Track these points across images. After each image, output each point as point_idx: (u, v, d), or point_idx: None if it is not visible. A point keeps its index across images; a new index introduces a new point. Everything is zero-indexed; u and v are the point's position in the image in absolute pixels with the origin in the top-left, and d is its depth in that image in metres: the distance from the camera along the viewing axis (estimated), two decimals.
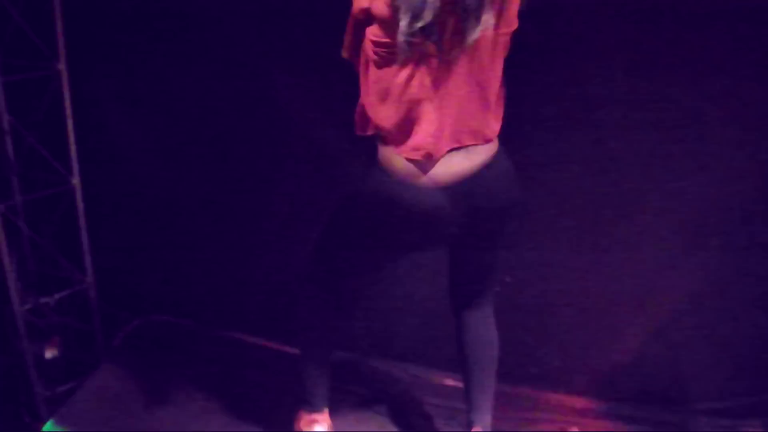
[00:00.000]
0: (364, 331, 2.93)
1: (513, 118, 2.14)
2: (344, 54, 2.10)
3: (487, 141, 2.04)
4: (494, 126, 2.06)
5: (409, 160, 2.01)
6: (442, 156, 2.00)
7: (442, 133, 1.98)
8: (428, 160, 2.00)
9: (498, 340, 2.41)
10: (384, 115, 2.01)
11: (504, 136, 2.12)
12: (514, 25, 1.97)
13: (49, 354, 3.11)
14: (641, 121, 2.59)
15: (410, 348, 3.02)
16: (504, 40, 1.97)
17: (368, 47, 1.97)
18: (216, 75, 2.82)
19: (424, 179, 2.03)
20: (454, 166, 2.02)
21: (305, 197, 2.89)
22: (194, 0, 2.73)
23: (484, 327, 2.39)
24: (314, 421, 2.48)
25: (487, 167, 2.05)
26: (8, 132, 2.88)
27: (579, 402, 2.93)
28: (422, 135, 1.98)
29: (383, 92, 1.98)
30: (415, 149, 1.99)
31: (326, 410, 2.50)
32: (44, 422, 2.73)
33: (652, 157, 2.64)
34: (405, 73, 1.93)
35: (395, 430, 2.71)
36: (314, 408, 2.49)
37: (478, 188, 2.05)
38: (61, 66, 2.82)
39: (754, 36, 2.44)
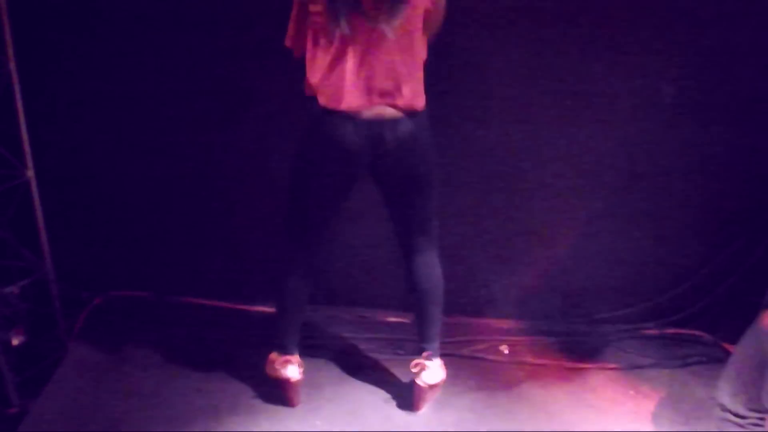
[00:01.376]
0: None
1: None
2: (288, 43, 2.48)
3: (405, 108, 2.45)
4: (411, 94, 2.45)
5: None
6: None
7: (358, 88, 2.39)
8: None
9: (441, 276, 2.78)
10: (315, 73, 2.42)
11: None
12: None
13: (15, 341, 3.25)
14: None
15: (358, 294, 3.41)
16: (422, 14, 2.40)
17: (313, 24, 2.36)
18: (163, 59, 3.07)
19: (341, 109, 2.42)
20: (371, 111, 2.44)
21: (249, 163, 3.20)
22: None
23: (430, 265, 2.76)
24: (288, 362, 2.80)
25: (401, 121, 2.46)
26: None
27: (505, 323, 3.43)
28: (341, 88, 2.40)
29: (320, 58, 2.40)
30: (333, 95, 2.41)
31: (297, 352, 2.84)
32: (15, 407, 2.92)
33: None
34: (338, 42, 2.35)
35: (349, 369, 3.08)
36: (287, 351, 2.81)
37: (389, 133, 2.45)
38: (11, 64, 2.98)
39: None
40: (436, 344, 2.84)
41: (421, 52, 2.50)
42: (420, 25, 2.44)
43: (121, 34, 3.05)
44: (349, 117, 2.43)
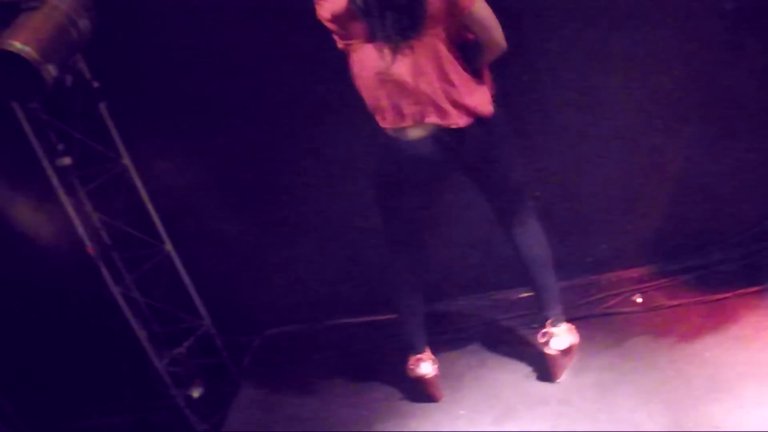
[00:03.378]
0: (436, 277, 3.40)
1: None
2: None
3: (455, 119, 2.52)
4: (462, 103, 2.51)
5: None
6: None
7: (401, 111, 2.51)
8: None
9: (546, 242, 2.83)
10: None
11: None
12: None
13: (195, 393, 3.67)
14: None
15: (478, 278, 3.52)
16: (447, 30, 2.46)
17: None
18: None
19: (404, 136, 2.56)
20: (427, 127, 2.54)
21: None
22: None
23: (532, 235, 2.82)
24: (420, 360, 2.96)
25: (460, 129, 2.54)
26: (101, 227, 3.45)
27: (634, 273, 3.39)
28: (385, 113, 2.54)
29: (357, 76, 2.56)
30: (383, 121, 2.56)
31: (427, 349, 2.99)
32: None
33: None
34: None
35: (486, 353, 3.19)
36: (417, 350, 2.97)
37: (451, 138, 2.54)
38: (126, 161, 3.41)
39: None
40: (557, 309, 2.89)
41: (456, 65, 2.52)
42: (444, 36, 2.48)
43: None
44: (400, 136, 2.58)
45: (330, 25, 2.51)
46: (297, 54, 3.12)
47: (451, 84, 2.49)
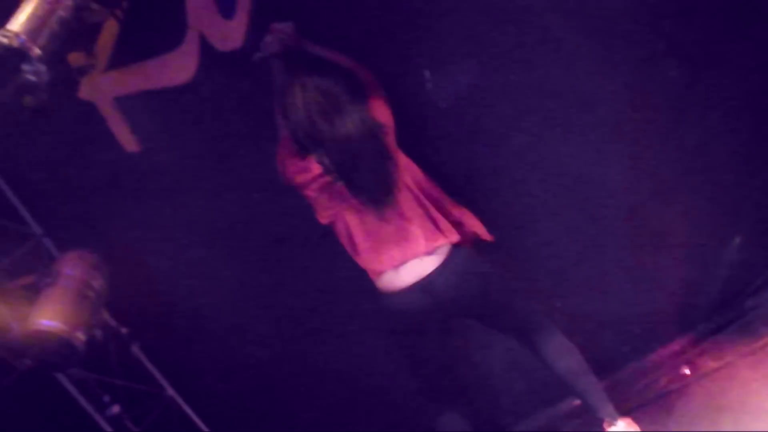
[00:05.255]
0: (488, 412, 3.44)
1: None
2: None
3: (434, 248, 2.63)
4: (438, 232, 2.65)
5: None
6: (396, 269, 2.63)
7: (384, 257, 2.62)
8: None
9: (575, 349, 2.86)
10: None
11: None
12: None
13: None
14: None
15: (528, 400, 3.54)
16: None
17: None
18: None
19: (394, 287, 2.65)
20: (411, 272, 2.64)
21: None
22: None
23: (558, 349, 2.85)
24: None
25: (443, 266, 2.64)
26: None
27: (674, 346, 3.37)
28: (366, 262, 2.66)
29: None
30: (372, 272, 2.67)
31: None
32: None
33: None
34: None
35: None
36: None
37: (438, 285, 2.63)
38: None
39: None
40: (608, 408, 2.87)
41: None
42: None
43: None
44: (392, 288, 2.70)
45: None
46: None
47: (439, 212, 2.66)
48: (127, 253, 3.41)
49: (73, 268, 3.13)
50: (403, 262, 2.63)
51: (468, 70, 3.25)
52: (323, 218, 2.72)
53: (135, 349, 3.57)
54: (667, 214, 3.28)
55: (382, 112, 2.66)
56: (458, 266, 2.67)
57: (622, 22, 3.00)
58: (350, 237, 2.67)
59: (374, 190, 2.61)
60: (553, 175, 3.27)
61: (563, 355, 2.86)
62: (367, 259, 2.66)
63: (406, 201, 2.64)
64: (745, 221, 3.26)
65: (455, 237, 2.68)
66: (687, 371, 3.25)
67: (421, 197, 2.67)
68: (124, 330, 3.52)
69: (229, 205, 3.34)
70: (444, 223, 2.67)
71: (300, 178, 2.65)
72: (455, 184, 2.93)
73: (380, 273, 2.65)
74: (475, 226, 2.72)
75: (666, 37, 3.01)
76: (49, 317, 2.94)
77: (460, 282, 2.67)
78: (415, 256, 2.63)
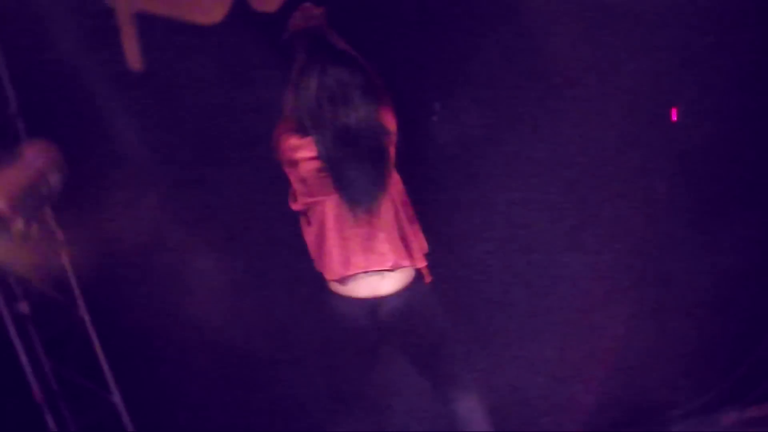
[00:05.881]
0: None
1: None
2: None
3: (397, 267, 2.63)
4: (405, 253, 2.65)
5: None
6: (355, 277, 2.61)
7: (349, 260, 2.60)
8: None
9: (487, 414, 2.80)
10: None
11: None
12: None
13: None
14: None
15: None
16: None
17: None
18: None
19: (346, 293, 2.63)
20: (368, 285, 2.63)
21: None
22: None
23: (468, 406, 2.77)
24: None
25: (399, 291, 2.63)
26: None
27: None
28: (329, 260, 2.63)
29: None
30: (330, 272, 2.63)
31: None
32: None
33: None
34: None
35: None
36: None
37: (386, 309, 2.62)
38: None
39: None
40: None
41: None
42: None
43: None
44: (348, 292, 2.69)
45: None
46: None
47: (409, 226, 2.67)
48: (91, 166, 3.37)
49: (37, 156, 3.07)
50: (365, 271, 2.62)
51: (474, 116, 3.35)
52: (298, 204, 2.69)
53: (65, 260, 3.50)
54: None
55: (389, 120, 2.68)
56: (412, 297, 2.67)
57: None
58: (321, 230, 2.65)
59: (360, 191, 2.60)
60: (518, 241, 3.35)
61: (473, 421, 2.81)
62: (331, 258, 2.63)
63: (385, 212, 2.64)
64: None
65: (421, 263, 2.69)
66: None
67: (400, 214, 2.68)
68: (60, 235, 3.45)
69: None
70: (414, 246, 2.68)
71: (292, 155, 2.64)
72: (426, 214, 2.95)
73: (340, 275, 2.63)
74: (422, 262, 2.71)
75: None
76: None
77: (408, 313, 2.66)
78: (378, 269, 2.63)
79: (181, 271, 3.43)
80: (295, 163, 2.63)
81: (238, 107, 3.36)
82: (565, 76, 3.29)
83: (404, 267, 2.65)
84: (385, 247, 2.63)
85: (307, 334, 2.93)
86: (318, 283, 2.71)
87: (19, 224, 2.94)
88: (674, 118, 3.32)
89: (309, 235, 2.69)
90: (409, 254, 2.66)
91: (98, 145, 3.42)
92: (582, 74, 3.28)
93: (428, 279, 2.73)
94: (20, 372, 3.34)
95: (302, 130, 2.61)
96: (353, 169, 2.58)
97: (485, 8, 3.28)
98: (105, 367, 3.59)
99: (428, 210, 2.91)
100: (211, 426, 3.62)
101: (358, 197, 2.60)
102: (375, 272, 2.63)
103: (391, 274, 2.63)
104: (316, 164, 2.59)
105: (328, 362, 2.80)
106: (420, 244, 2.71)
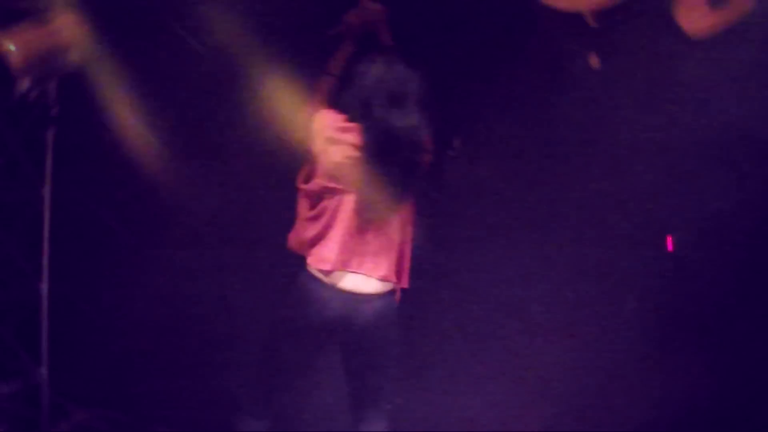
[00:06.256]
0: None
1: None
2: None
3: (386, 280, 2.65)
4: (395, 269, 2.66)
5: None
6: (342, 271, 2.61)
7: (346, 258, 2.59)
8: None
9: None
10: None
11: None
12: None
13: None
14: None
15: None
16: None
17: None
18: None
19: (328, 281, 2.61)
20: (356, 283, 2.62)
21: None
22: None
23: None
24: None
25: (377, 300, 2.64)
26: None
27: None
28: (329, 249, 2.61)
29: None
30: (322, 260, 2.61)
31: None
32: None
33: None
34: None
35: None
36: None
37: (361, 311, 2.62)
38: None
39: None
40: None
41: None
42: None
43: None
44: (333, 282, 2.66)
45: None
46: None
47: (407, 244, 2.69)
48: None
49: (66, 26, 2.98)
50: (356, 272, 2.62)
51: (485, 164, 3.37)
52: (312, 184, 2.63)
53: (48, 135, 3.40)
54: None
55: (428, 139, 2.68)
56: (383, 308, 2.67)
57: None
58: (329, 220, 2.61)
59: (383, 195, 2.58)
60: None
61: None
62: (329, 249, 2.60)
63: (393, 224, 2.65)
64: None
65: (405, 284, 2.71)
66: None
67: (406, 231, 2.69)
68: (54, 110, 3.36)
69: None
70: (404, 266, 2.70)
71: (336, 135, 2.57)
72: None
73: (332, 267, 2.60)
74: (405, 284, 2.73)
75: None
76: (14, 44, 2.77)
77: (375, 323, 2.66)
78: (368, 275, 2.62)
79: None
80: (335, 143, 2.56)
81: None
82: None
83: (391, 282, 2.67)
84: (383, 257, 2.63)
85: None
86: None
87: (24, 84, 2.86)
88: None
89: (308, 218, 2.64)
90: (399, 273, 2.69)
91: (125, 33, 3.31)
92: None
93: (398, 299, 2.74)
94: None
95: (344, 109, 2.58)
96: (385, 172, 2.57)
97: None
98: (44, 337, 3.51)
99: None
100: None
101: (380, 200, 2.59)
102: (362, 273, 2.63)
103: (375, 280, 2.64)
104: (355, 152, 2.56)
105: (275, 343, 2.75)
106: (408, 266, 2.72)
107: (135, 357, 3.56)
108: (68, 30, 3.03)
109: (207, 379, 3.53)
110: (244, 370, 3.17)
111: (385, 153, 2.56)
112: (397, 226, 2.66)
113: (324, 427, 3.40)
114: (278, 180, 2.98)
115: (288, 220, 2.73)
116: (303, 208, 2.67)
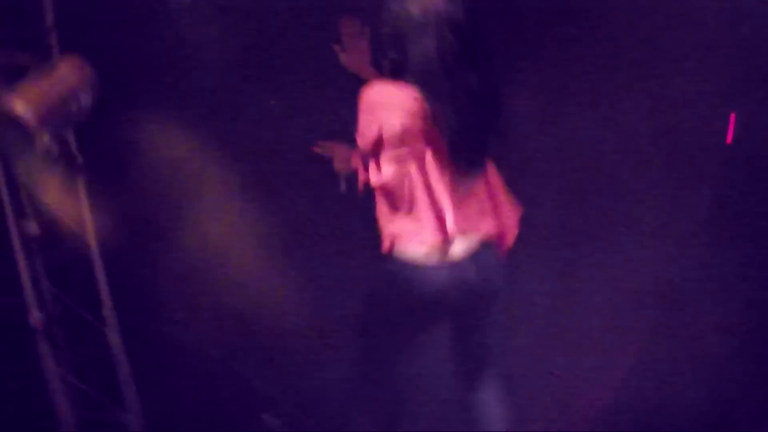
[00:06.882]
0: None
1: None
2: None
3: (494, 235, 2.50)
4: (491, 220, 2.51)
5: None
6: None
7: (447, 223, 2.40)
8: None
9: (505, 414, 2.72)
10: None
11: None
12: None
13: None
14: None
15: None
16: None
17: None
18: None
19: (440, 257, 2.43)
20: (465, 246, 2.46)
21: None
22: None
23: (493, 400, 2.71)
24: None
25: (488, 256, 2.49)
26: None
27: None
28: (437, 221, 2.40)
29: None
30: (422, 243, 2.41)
31: None
32: None
33: None
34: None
35: None
36: None
37: (471, 271, 2.47)
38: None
39: None
40: None
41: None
42: None
43: None
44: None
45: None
46: None
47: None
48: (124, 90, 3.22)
49: (70, 72, 2.93)
50: (466, 234, 2.44)
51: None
52: (387, 163, 2.36)
53: (79, 182, 3.35)
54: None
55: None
56: (494, 264, 2.53)
57: None
58: (412, 192, 2.39)
59: (473, 153, 2.41)
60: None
61: (495, 411, 2.72)
62: (440, 219, 2.40)
63: (484, 177, 2.50)
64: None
65: (514, 233, 2.56)
66: None
67: (494, 179, 2.54)
68: (79, 158, 3.31)
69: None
70: (506, 215, 2.55)
71: (406, 103, 2.31)
72: None
73: (448, 236, 2.40)
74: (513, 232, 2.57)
75: None
76: (27, 102, 2.73)
77: (487, 278, 2.51)
78: (479, 233, 2.47)
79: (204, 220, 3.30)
80: (403, 110, 2.31)
81: None
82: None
83: (498, 234, 2.52)
84: (485, 211, 2.49)
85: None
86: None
87: (44, 138, 2.80)
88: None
89: (398, 194, 2.41)
90: (503, 223, 2.53)
91: (134, 66, 3.25)
92: None
93: (505, 252, 2.57)
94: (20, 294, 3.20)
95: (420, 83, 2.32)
96: (468, 130, 2.35)
97: None
98: (107, 303, 3.44)
99: None
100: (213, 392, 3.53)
101: (471, 159, 2.42)
102: (467, 236, 2.45)
103: (477, 240, 2.47)
104: (428, 110, 2.31)
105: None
106: (511, 215, 2.58)
107: None
108: (74, 75, 2.98)
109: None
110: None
111: (465, 109, 2.32)
112: (486, 178, 2.50)
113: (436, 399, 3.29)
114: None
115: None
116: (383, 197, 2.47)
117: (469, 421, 2.74)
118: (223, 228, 3.38)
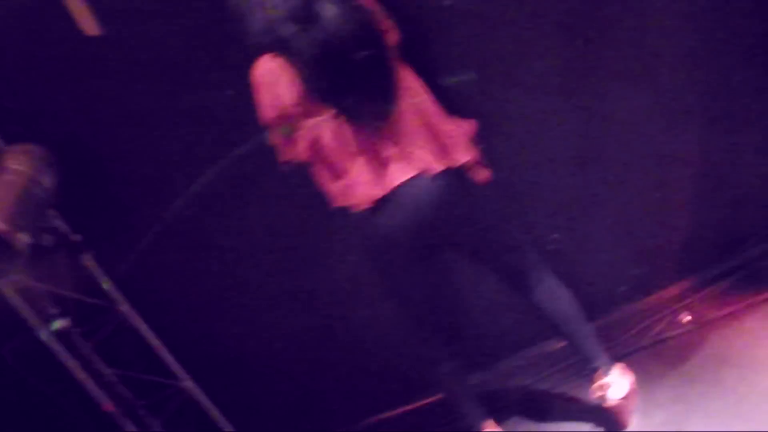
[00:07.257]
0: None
1: None
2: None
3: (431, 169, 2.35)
4: (444, 152, 2.37)
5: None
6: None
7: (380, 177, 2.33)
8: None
9: (568, 292, 2.62)
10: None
11: None
12: None
13: None
14: None
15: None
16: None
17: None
18: None
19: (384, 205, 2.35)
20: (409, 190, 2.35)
21: None
22: None
23: (550, 291, 2.60)
24: None
25: (438, 184, 2.36)
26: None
27: (674, 290, 3.14)
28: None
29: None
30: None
31: (488, 420, 2.77)
32: None
33: None
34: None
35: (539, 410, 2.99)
36: (478, 425, 2.75)
37: (431, 203, 2.36)
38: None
39: None
40: (603, 357, 2.65)
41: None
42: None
43: None
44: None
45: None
46: None
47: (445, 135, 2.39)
48: (82, 151, 3.05)
49: (19, 162, 2.77)
50: (402, 181, 2.34)
51: None
52: (300, 144, 2.36)
53: (87, 260, 3.23)
54: (672, 148, 3.00)
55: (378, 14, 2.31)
56: (453, 186, 2.39)
57: None
58: (344, 149, 2.35)
59: (373, 99, 2.29)
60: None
61: (555, 299, 2.61)
62: (360, 182, 2.35)
63: (406, 116, 2.34)
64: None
65: (467, 156, 2.40)
66: (688, 318, 3.04)
67: (427, 111, 2.38)
68: (76, 237, 3.18)
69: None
70: (451, 141, 2.39)
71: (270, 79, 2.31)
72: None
73: (375, 197, 2.34)
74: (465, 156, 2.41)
75: None
76: None
77: (454, 201, 2.39)
78: (419, 174, 2.34)
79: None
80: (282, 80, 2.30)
81: None
82: None
83: (442, 167, 2.36)
84: (422, 151, 2.34)
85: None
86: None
87: (23, 238, 2.67)
88: None
89: (322, 173, 2.41)
90: (448, 153, 2.37)
91: (86, 133, 3.08)
92: None
93: (483, 176, 2.43)
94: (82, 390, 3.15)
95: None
96: (357, 72, 2.24)
97: None
98: (166, 355, 3.36)
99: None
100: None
101: (374, 106, 2.30)
102: (414, 179, 2.34)
103: (434, 175, 2.35)
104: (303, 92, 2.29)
105: (392, 291, 2.59)
106: (461, 139, 2.41)
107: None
108: (25, 163, 2.83)
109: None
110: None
111: (332, 67, 2.23)
112: (414, 115, 2.34)
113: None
114: None
115: None
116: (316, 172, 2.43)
117: (540, 315, 2.64)
118: None
